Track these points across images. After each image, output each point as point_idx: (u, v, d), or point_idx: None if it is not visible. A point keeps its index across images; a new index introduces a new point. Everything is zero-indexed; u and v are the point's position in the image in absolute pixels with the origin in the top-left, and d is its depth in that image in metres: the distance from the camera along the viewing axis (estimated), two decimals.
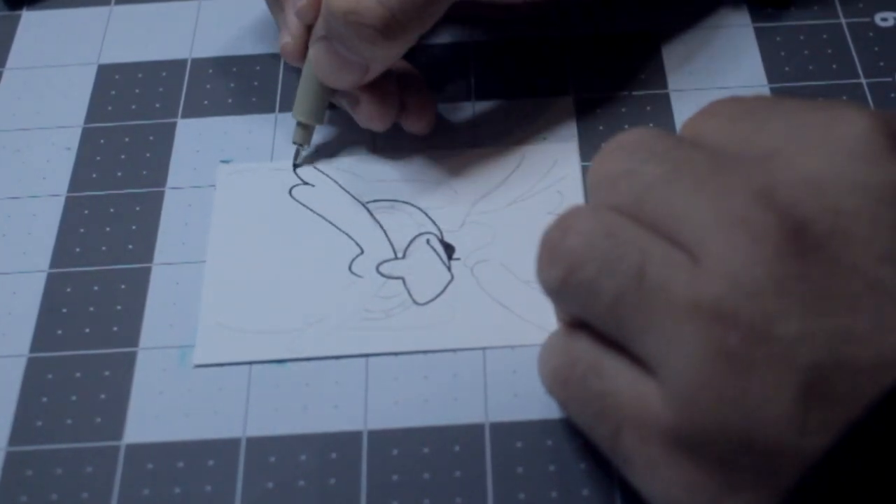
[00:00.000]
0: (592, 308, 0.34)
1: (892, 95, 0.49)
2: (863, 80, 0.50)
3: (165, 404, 0.42)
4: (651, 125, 0.49)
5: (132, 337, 0.44)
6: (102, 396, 0.42)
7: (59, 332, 0.44)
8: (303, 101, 0.47)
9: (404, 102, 0.47)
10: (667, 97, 0.50)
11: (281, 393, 0.42)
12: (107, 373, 0.43)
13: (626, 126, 0.49)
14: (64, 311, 0.45)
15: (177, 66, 0.53)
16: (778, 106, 0.36)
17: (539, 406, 0.41)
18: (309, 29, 0.46)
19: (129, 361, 0.43)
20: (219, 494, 0.40)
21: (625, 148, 0.35)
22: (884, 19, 0.52)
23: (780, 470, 0.31)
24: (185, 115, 0.51)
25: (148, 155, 0.49)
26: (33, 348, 0.44)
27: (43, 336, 0.44)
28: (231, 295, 0.45)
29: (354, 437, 0.41)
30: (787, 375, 0.30)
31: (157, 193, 0.48)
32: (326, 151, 0.49)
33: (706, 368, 0.31)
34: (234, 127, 0.50)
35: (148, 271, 0.46)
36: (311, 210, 0.47)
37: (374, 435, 0.41)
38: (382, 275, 0.45)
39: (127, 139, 0.50)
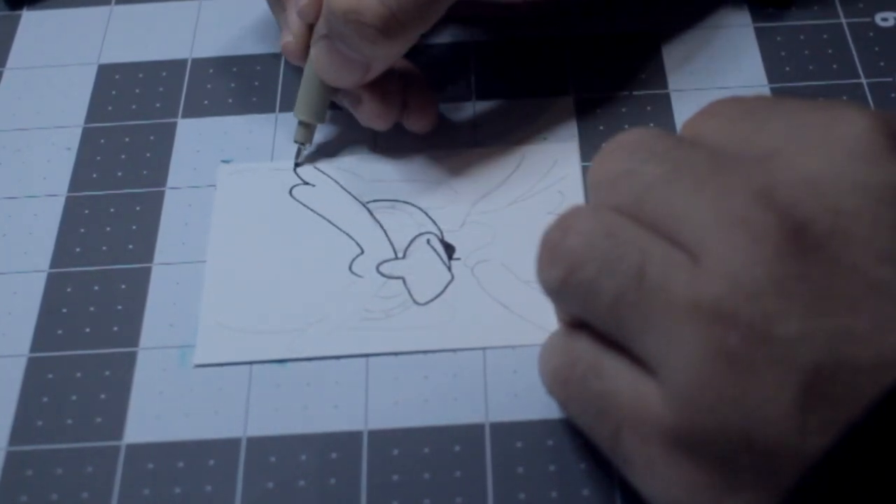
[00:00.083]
0: (592, 308, 0.34)
1: (892, 95, 0.49)
2: (863, 80, 0.50)
3: (166, 404, 0.42)
4: (651, 125, 0.49)
5: (132, 337, 0.44)
6: (102, 396, 0.42)
7: (59, 332, 0.44)
8: (304, 100, 0.47)
9: (406, 101, 0.47)
10: (667, 97, 0.50)
11: (281, 393, 0.42)
12: (107, 373, 0.43)
13: (627, 126, 0.49)
14: (64, 311, 0.45)
15: (177, 65, 0.53)
16: (778, 106, 0.36)
17: (539, 406, 0.41)
18: (310, 28, 0.46)
19: (129, 361, 0.43)
20: (219, 494, 0.40)
21: (625, 148, 0.35)
22: (884, 19, 0.52)
23: (780, 470, 0.31)
24: (185, 115, 0.51)
25: (148, 155, 0.49)
26: (33, 348, 0.44)
27: (43, 336, 0.44)
28: (231, 295, 0.45)
29: (355, 437, 0.41)
30: (787, 375, 0.30)
31: (157, 193, 0.48)
32: (327, 151, 0.49)
33: (706, 368, 0.31)
34: (234, 127, 0.50)
35: (148, 271, 0.46)
36: (312, 210, 0.47)
37: (374, 435, 0.41)
38: (383, 275, 0.45)
39: (127, 139, 0.50)
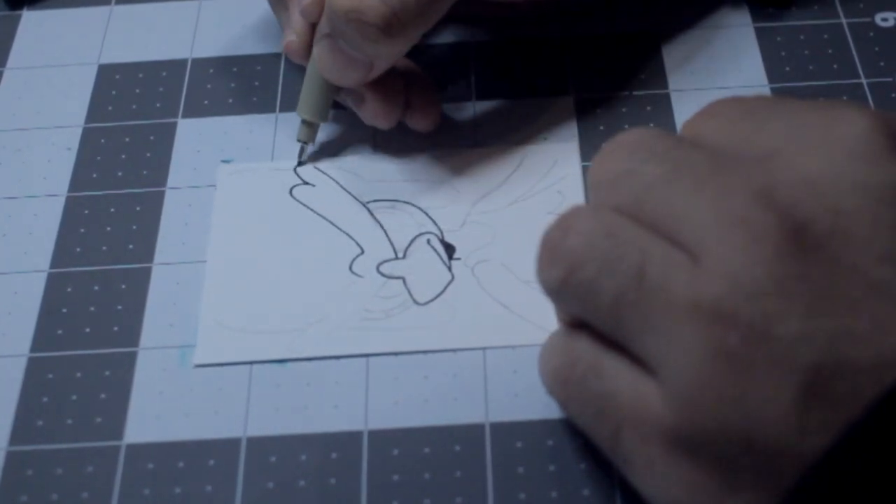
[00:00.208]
0: (592, 308, 0.34)
1: (893, 95, 0.49)
2: (863, 80, 0.50)
3: (166, 404, 0.42)
4: (651, 125, 0.49)
5: (132, 337, 0.44)
6: (103, 396, 0.42)
7: (59, 332, 0.44)
8: (307, 99, 0.47)
9: (409, 100, 0.47)
10: (667, 97, 0.50)
11: (281, 393, 0.42)
12: (107, 373, 0.43)
13: (627, 126, 0.49)
14: (64, 311, 0.45)
15: (177, 65, 0.53)
16: (778, 106, 0.36)
17: (539, 406, 0.41)
18: (313, 27, 0.46)
19: (129, 361, 0.43)
20: (219, 494, 0.40)
21: (625, 148, 0.35)
22: (884, 19, 0.52)
23: (780, 470, 0.31)
24: (185, 115, 0.51)
25: (148, 155, 0.49)
26: (33, 348, 0.44)
27: (43, 336, 0.44)
28: (231, 295, 0.45)
29: (355, 437, 0.41)
30: (787, 376, 0.30)
31: (157, 193, 0.48)
32: (327, 151, 0.49)
33: (706, 368, 0.31)
34: (234, 127, 0.50)
35: (148, 271, 0.46)
36: (312, 210, 0.47)
37: (374, 435, 0.41)
38: (383, 275, 0.45)
39: (127, 139, 0.50)
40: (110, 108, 0.51)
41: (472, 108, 0.50)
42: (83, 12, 0.55)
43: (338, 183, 0.48)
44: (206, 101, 0.51)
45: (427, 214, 0.46)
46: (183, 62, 0.53)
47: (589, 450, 0.39)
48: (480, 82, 0.51)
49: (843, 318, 0.30)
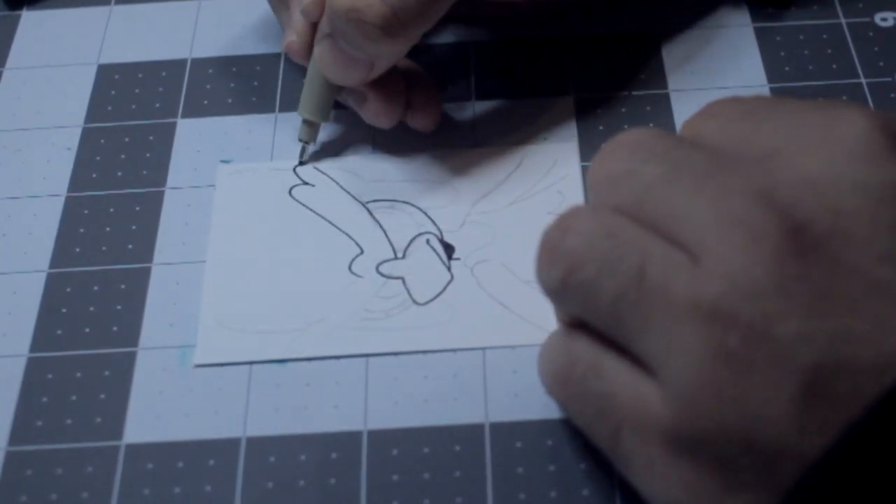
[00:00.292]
0: (592, 308, 0.34)
1: (892, 95, 0.49)
2: (863, 80, 0.50)
3: (165, 404, 0.42)
4: (651, 125, 0.49)
5: (132, 337, 0.44)
6: (102, 396, 0.42)
7: (59, 332, 0.44)
8: (308, 99, 0.47)
9: (410, 100, 0.47)
10: (667, 97, 0.50)
11: (281, 393, 0.42)
12: (107, 373, 0.43)
13: (627, 126, 0.49)
14: (64, 311, 0.45)
15: (177, 65, 0.53)
16: (778, 106, 0.36)
17: (539, 406, 0.41)
18: (314, 27, 0.46)
19: (129, 361, 0.43)
20: (219, 494, 0.40)
21: (625, 148, 0.35)
22: (884, 19, 0.52)
23: (780, 470, 0.31)
24: (185, 115, 0.51)
25: (148, 155, 0.49)
26: (33, 348, 0.44)
27: (43, 336, 0.44)
28: (231, 295, 0.45)
29: (354, 437, 0.41)
30: (787, 376, 0.30)
31: (157, 193, 0.48)
32: (326, 151, 0.49)
33: (706, 369, 0.31)
34: (234, 127, 0.50)
35: (148, 271, 0.46)
36: (311, 210, 0.47)
37: (374, 435, 0.41)
38: (382, 275, 0.45)
39: (127, 139, 0.50)
40: (110, 108, 0.51)
41: (472, 108, 0.50)
42: (83, 12, 0.55)
43: (337, 183, 0.48)
44: (205, 101, 0.51)
45: (426, 214, 0.46)
46: (182, 62, 0.53)
47: (589, 450, 0.39)
48: (480, 82, 0.51)
49: (843, 318, 0.30)
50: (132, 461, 0.40)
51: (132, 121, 0.51)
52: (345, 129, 0.49)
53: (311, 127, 0.48)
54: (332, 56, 0.45)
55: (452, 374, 0.42)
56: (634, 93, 0.50)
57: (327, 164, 0.48)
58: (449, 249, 0.45)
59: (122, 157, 0.49)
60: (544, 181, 0.47)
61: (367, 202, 0.47)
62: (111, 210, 0.48)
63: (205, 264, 0.46)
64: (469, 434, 0.40)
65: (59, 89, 0.52)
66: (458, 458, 0.40)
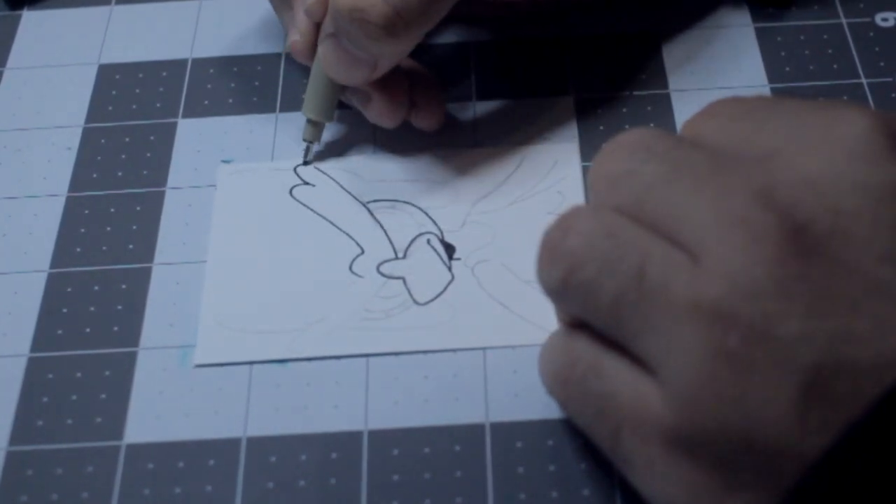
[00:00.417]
0: (592, 308, 0.34)
1: (893, 95, 0.49)
2: (863, 80, 0.50)
3: (166, 404, 0.42)
4: (651, 125, 0.49)
5: (132, 337, 0.44)
6: (102, 396, 0.42)
7: (59, 332, 0.44)
8: (312, 99, 0.47)
9: (414, 100, 0.47)
10: (667, 97, 0.50)
11: (281, 393, 0.42)
12: (107, 373, 0.43)
13: (627, 126, 0.49)
14: (64, 311, 0.45)
15: (177, 65, 0.53)
16: (778, 106, 0.36)
17: (539, 406, 0.41)
18: (317, 27, 0.46)
19: (129, 361, 0.43)
20: (219, 494, 0.40)
21: (625, 148, 0.35)
22: (884, 19, 0.52)
23: (781, 470, 0.31)
24: (185, 115, 0.51)
25: (148, 155, 0.49)
26: (33, 348, 0.44)
27: (43, 336, 0.44)
28: (231, 295, 0.45)
29: (355, 437, 0.41)
30: (788, 376, 0.30)
31: (157, 193, 0.48)
32: (330, 151, 0.49)
33: (706, 369, 0.31)
34: (234, 127, 0.50)
35: (148, 271, 0.46)
36: (312, 210, 0.47)
37: (374, 435, 0.41)
38: (383, 275, 0.45)
39: (127, 139, 0.50)
40: (110, 108, 0.51)
41: (473, 109, 0.50)
42: (83, 12, 0.55)
43: (338, 183, 0.48)
44: (206, 101, 0.51)
45: (427, 214, 0.46)
46: (183, 62, 0.53)
47: (589, 450, 0.39)
48: (481, 82, 0.51)
49: (844, 318, 0.30)
50: (132, 461, 0.40)
51: (133, 121, 0.51)
52: (345, 128, 0.49)
53: (315, 127, 0.48)
54: (336, 56, 0.45)
55: (453, 374, 0.42)
56: (635, 93, 0.50)
57: (328, 164, 0.48)
58: (449, 249, 0.45)
59: (123, 157, 0.49)
60: (545, 181, 0.47)
61: (368, 202, 0.47)
62: (112, 210, 0.48)
63: (205, 264, 0.46)
64: (469, 434, 0.40)
65: (59, 89, 0.52)
66: (458, 458, 0.40)
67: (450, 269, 0.45)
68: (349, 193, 0.47)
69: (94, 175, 0.49)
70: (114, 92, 0.52)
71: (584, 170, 0.47)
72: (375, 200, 0.47)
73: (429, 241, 0.46)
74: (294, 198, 0.47)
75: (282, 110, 0.51)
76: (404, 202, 0.47)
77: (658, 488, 0.33)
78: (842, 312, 0.30)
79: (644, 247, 0.33)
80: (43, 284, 0.45)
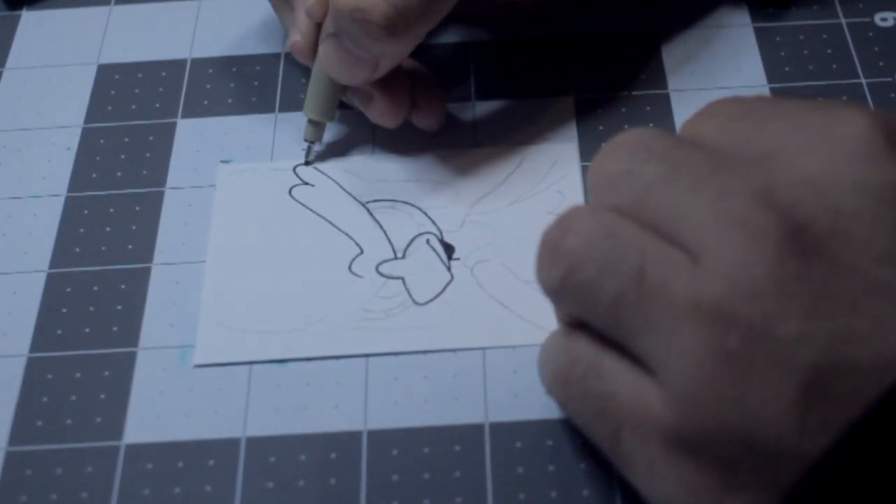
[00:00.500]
0: (592, 308, 0.34)
1: (892, 95, 0.49)
2: (863, 80, 0.50)
3: (165, 404, 0.42)
4: (651, 125, 0.49)
5: (132, 337, 0.44)
6: (102, 396, 0.42)
7: (59, 332, 0.44)
8: (314, 99, 0.47)
9: (415, 99, 0.48)
10: (667, 97, 0.50)
11: (281, 393, 0.42)
12: (107, 373, 0.43)
13: (626, 126, 0.49)
14: (64, 311, 0.45)
15: (177, 66, 0.53)
16: (778, 106, 0.36)
17: (539, 406, 0.41)
18: (318, 27, 0.46)
19: (129, 361, 0.43)
20: (219, 494, 0.40)
21: (625, 148, 0.35)
22: (884, 19, 0.52)
23: (781, 470, 0.31)
24: (185, 115, 0.51)
25: (148, 155, 0.49)
26: (33, 348, 0.44)
27: (43, 336, 0.44)
28: (231, 295, 0.45)
29: (354, 437, 0.41)
30: (787, 376, 0.30)
31: (157, 193, 0.48)
32: (331, 151, 0.49)
33: (706, 369, 0.31)
34: (234, 127, 0.50)
35: (148, 271, 0.46)
36: (311, 210, 0.47)
37: (374, 435, 0.41)
38: (382, 275, 0.45)
39: (127, 139, 0.50)
40: (110, 108, 0.51)
41: (472, 109, 0.50)
42: (83, 12, 0.55)
43: (337, 183, 0.48)
44: (205, 101, 0.51)
45: (426, 214, 0.46)
46: (182, 62, 0.53)
47: (589, 450, 0.39)
48: (480, 82, 0.51)
49: (843, 318, 0.30)
50: (132, 461, 0.40)
51: (132, 121, 0.51)
52: (345, 129, 0.49)
53: (316, 127, 0.48)
54: (337, 56, 0.45)
55: (452, 374, 0.42)
56: (634, 93, 0.50)
57: (327, 165, 0.48)
58: (449, 249, 0.45)
59: (122, 157, 0.49)
60: (544, 181, 0.47)
61: (367, 202, 0.47)
62: (111, 210, 0.48)
63: (204, 264, 0.46)
64: (469, 434, 0.40)
65: (59, 89, 0.52)
66: (458, 458, 0.40)
67: (449, 269, 0.45)
68: (348, 193, 0.47)
69: (94, 175, 0.49)
70: (113, 92, 0.52)
71: (584, 170, 0.47)
72: (375, 200, 0.47)
73: (428, 241, 0.46)
74: (293, 198, 0.47)
75: (281, 110, 0.51)
76: (404, 202, 0.47)
77: (658, 488, 0.33)
78: (842, 312, 0.30)
79: (644, 247, 0.33)
80: (42, 284, 0.45)
